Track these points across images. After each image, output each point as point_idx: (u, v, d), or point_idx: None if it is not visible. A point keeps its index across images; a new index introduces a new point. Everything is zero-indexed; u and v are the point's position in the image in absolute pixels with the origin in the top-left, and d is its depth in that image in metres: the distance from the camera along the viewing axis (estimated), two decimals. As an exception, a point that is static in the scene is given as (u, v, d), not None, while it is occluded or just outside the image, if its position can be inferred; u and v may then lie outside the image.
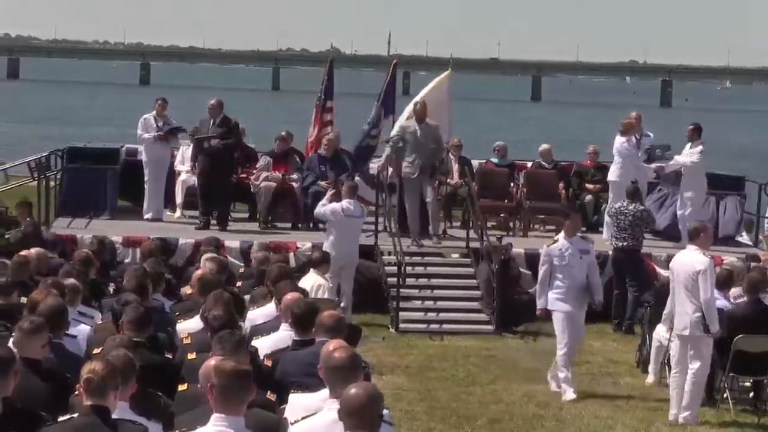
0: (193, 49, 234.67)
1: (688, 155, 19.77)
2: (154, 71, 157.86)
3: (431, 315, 18.02)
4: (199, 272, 11.89)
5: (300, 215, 20.31)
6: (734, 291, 14.43)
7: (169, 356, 9.23)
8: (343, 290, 16.58)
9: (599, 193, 21.17)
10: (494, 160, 22.35)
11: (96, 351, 8.39)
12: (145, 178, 20.57)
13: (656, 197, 21.31)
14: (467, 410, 13.41)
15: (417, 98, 20.49)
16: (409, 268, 18.22)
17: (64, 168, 21.17)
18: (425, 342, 17.10)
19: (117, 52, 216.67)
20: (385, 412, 6.37)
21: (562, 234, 14.45)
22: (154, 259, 13.65)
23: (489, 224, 20.21)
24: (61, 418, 6.93)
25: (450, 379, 14.96)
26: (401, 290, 17.90)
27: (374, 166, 21.04)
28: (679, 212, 20.03)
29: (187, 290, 12.52)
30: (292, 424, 6.98)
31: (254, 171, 20.55)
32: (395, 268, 17.90)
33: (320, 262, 14.18)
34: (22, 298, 10.83)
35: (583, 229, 20.63)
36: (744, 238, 21.61)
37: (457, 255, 19.22)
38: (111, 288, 13.05)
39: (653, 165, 20.29)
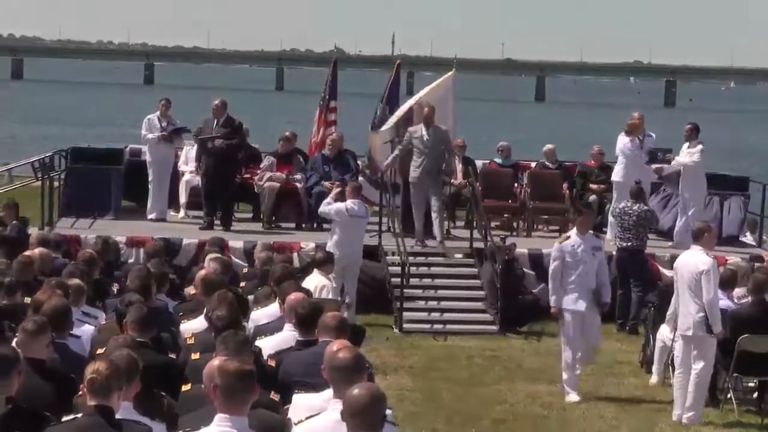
0: (197, 50, 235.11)
1: (688, 155, 19.73)
2: (158, 71, 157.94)
3: (435, 315, 18.02)
4: (202, 272, 11.89)
5: (304, 215, 20.31)
6: (738, 291, 14.41)
7: (173, 356, 9.23)
8: (346, 290, 16.56)
9: (603, 194, 21.14)
10: (498, 160, 22.35)
11: (100, 351, 8.39)
12: (150, 179, 20.58)
13: (660, 197, 21.31)
14: (471, 410, 13.41)
15: (416, 97, 20.52)
16: (413, 269, 18.22)
17: (68, 168, 21.18)
18: (429, 342, 17.09)
19: (121, 53, 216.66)
20: (388, 412, 6.37)
21: (574, 230, 14.30)
22: (158, 259, 13.67)
23: (493, 224, 20.21)
24: (65, 418, 6.94)
25: (454, 379, 14.96)
26: (405, 290, 17.90)
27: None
28: (681, 217, 19.96)
29: (190, 290, 12.51)
30: (295, 424, 6.98)
31: (258, 171, 20.56)
32: (399, 268, 17.89)
33: (324, 262, 14.18)
34: (26, 298, 10.84)
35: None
36: (748, 238, 21.62)
37: (460, 255, 19.20)
38: (115, 288, 13.05)
39: (654, 166, 20.26)
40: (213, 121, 19.76)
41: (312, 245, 18.19)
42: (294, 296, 9.93)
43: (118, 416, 6.70)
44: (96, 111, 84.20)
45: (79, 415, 6.81)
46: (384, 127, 20.31)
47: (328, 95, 22.12)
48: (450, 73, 21.26)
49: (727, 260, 17.78)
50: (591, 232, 14.51)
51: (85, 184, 20.81)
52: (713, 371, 13.18)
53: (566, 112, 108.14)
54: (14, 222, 17.39)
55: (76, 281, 11.17)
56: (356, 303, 17.00)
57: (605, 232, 19.78)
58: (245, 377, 6.40)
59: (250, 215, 21.38)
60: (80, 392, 6.99)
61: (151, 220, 20.46)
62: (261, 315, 11.01)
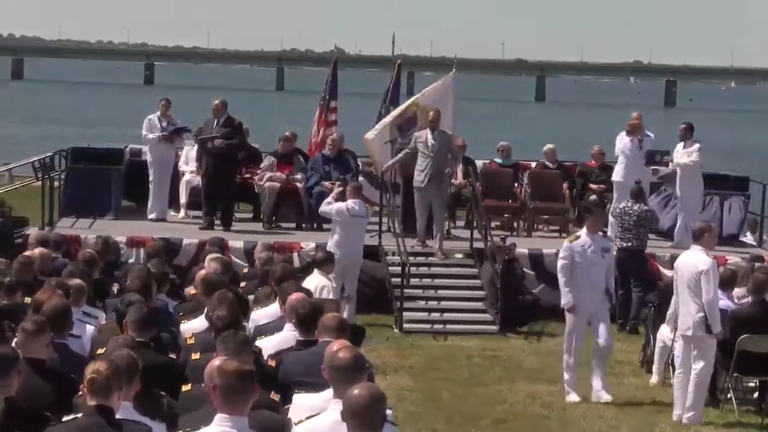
0: (197, 50, 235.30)
1: (685, 155, 19.71)
2: (158, 71, 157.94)
3: (435, 315, 18.02)
4: (203, 272, 11.88)
5: (304, 215, 20.31)
6: (738, 291, 14.41)
7: (173, 356, 9.23)
8: (347, 290, 16.57)
9: (603, 194, 21.14)
10: (498, 160, 22.35)
11: (100, 351, 8.40)
12: (150, 179, 20.59)
13: (660, 197, 21.31)
14: (471, 410, 13.41)
15: (413, 99, 20.50)
16: (413, 269, 18.22)
17: (68, 168, 21.19)
18: (429, 342, 17.09)
19: (121, 53, 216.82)
20: (388, 412, 6.37)
21: (583, 230, 14.17)
22: (158, 259, 13.67)
23: (493, 224, 20.20)
24: (65, 418, 6.94)
25: (454, 379, 14.96)
26: (405, 290, 17.90)
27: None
28: (679, 216, 19.95)
29: (191, 290, 12.51)
30: (295, 424, 6.98)
31: (258, 171, 20.56)
32: (399, 268, 17.89)
33: (324, 262, 14.18)
34: (26, 298, 10.84)
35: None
36: (748, 238, 21.63)
37: (460, 255, 19.21)
38: (115, 288, 13.05)
39: (652, 168, 20.22)
40: (213, 121, 19.76)
41: (312, 245, 18.19)
42: (294, 296, 9.93)
43: (118, 416, 6.71)
44: (96, 111, 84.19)
45: (79, 415, 6.82)
46: (377, 127, 20.29)
47: (329, 95, 22.14)
48: (450, 74, 21.28)
49: (727, 260, 17.78)
50: (600, 233, 14.42)
51: (85, 184, 20.81)
52: (713, 371, 13.18)
53: (566, 112, 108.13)
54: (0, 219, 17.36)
55: (77, 281, 11.17)
56: (356, 303, 17.00)
57: (605, 232, 19.76)
58: (245, 377, 6.39)
59: (251, 215, 21.38)
60: (80, 392, 7.00)
61: (151, 220, 20.46)
62: (261, 315, 11.00)
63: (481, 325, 17.87)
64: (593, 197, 21.25)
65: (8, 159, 32.94)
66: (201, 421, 6.63)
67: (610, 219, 19.38)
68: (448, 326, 17.79)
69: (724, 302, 13.42)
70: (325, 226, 18.73)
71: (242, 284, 13.22)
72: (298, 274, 13.02)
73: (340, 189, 17.44)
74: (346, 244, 16.70)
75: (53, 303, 9.22)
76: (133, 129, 28.03)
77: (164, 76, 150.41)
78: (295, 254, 17.87)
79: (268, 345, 9.49)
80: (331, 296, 13.09)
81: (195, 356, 8.68)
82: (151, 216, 20.55)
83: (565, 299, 13.98)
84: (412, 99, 20.94)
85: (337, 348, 7.27)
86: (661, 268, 18.61)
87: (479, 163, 21.89)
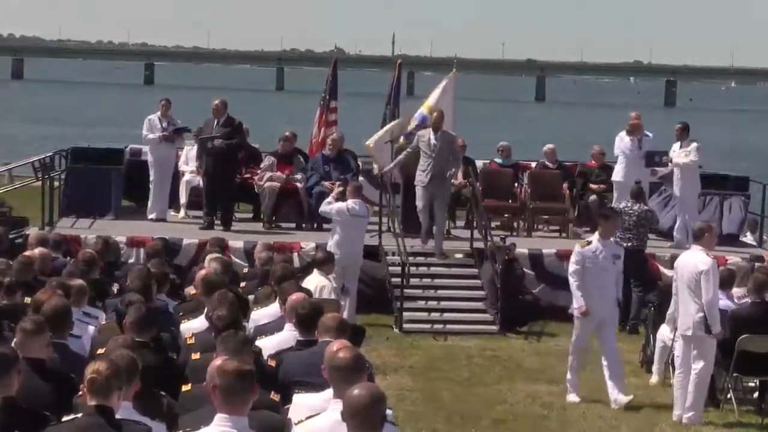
0: (197, 50, 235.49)
1: (684, 154, 19.71)
2: (159, 71, 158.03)
3: (435, 315, 18.02)
4: (203, 272, 11.87)
5: (304, 215, 20.32)
6: (738, 291, 14.41)
7: (173, 356, 9.23)
8: (347, 290, 16.57)
9: (603, 194, 21.14)
10: (498, 160, 22.35)
11: (100, 351, 8.39)
12: (151, 179, 20.59)
13: (660, 197, 21.32)
14: (471, 410, 13.40)
15: (431, 103, 20.39)
16: (413, 269, 18.22)
17: (68, 168, 21.19)
18: (429, 342, 17.09)
19: (121, 53, 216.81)
20: (388, 412, 6.37)
21: (595, 235, 14.00)
22: (158, 259, 13.66)
23: (493, 224, 20.21)
24: (65, 418, 6.94)
25: (454, 379, 14.95)
26: (405, 290, 17.90)
27: (377, 166, 21.07)
28: (678, 216, 19.95)
29: (191, 290, 12.51)
30: (295, 424, 6.98)
31: (258, 171, 20.56)
32: (399, 268, 17.89)
33: (324, 262, 14.17)
34: (26, 298, 10.84)
35: (587, 229, 20.72)
36: (748, 238, 21.63)
37: (460, 255, 19.21)
38: (115, 288, 13.05)
39: (651, 169, 20.22)
40: (213, 121, 19.76)
41: (312, 245, 18.20)
42: (295, 296, 9.93)
43: (118, 416, 6.71)
44: (96, 111, 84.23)
45: (79, 415, 6.81)
46: (378, 134, 20.32)
47: (329, 95, 22.14)
48: (451, 74, 21.29)
49: (727, 260, 17.79)
50: (612, 239, 14.34)
51: (86, 184, 20.81)
52: (713, 371, 13.17)
53: (566, 112, 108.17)
54: None
55: (78, 281, 11.18)
56: (356, 303, 17.00)
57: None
58: (244, 377, 6.39)
59: (251, 215, 21.38)
60: (80, 392, 7.00)
61: (151, 220, 20.46)
62: (261, 315, 11.00)
63: (481, 325, 17.87)
64: (593, 197, 21.24)
65: (8, 159, 32.95)
66: (201, 421, 6.62)
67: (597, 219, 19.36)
68: (448, 326, 17.79)
69: (723, 302, 13.42)
70: (325, 226, 18.73)
71: (242, 284, 13.22)
72: (297, 274, 13.02)
73: (341, 189, 17.44)
74: (346, 244, 16.70)
75: (53, 303, 9.22)
76: (133, 129, 28.04)
77: (164, 76, 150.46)
78: (295, 254, 17.88)
79: (268, 345, 9.48)
80: (332, 296, 13.08)
81: (195, 356, 8.68)
82: (151, 216, 20.55)
83: (578, 303, 13.84)
84: (425, 103, 20.84)
85: (337, 348, 7.27)
86: (661, 268, 18.62)
87: (479, 163, 21.89)
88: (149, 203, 20.71)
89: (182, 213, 21.04)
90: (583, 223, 21.04)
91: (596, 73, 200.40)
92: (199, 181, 20.37)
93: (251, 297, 11.88)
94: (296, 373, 8.52)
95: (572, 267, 13.92)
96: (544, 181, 21.59)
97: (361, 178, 20.08)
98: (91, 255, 13.37)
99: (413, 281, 18.18)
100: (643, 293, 17.55)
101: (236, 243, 18.18)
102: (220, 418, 6.33)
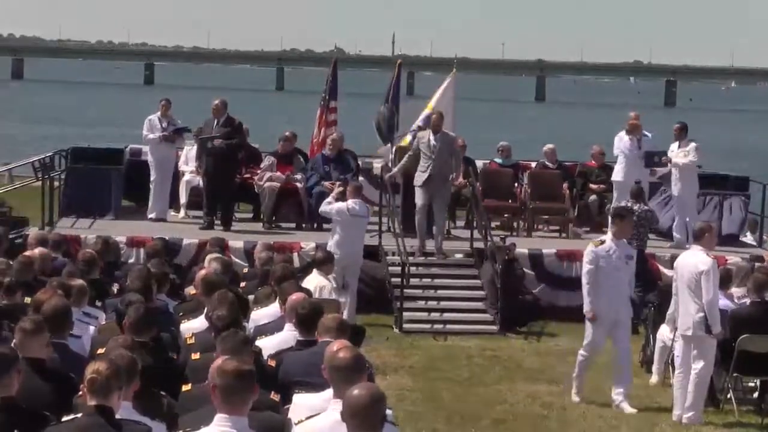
0: (197, 50, 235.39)
1: (683, 154, 19.70)
2: (159, 71, 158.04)
3: (435, 315, 18.02)
4: (203, 272, 11.88)
5: (304, 215, 20.32)
6: (738, 291, 14.41)
7: (173, 356, 9.23)
8: (347, 290, 16.56)
9: (603, 193, 21.14)
10: (498, 160, 22.34)
11: (100, 351, 8.39)
12: (151, 179, 20.59)
13: (660, 197, 21.32)
14: (471, 410, 13.40)
15: (434, 104, 20.43)
16: (413, 269, 18.22)
17: (68, 168, 21.19)
18: (429, 342, 17.09)
19: (121, 53, 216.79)
20: (388, 412, 6.37)
21: (609, 235, 13.93)
22: (158, 259, 13.66)
23: (493, 224, 20.20)
24: (65, 418, 6.94)
25: (454, 379, 14.95)
26: (405, 290, 17.90)
27: (378, 166, 21.09)
28: (677, 216, 19.95)
29: (191, 290, 12.51)
30: (295, 424, 6.98)
31: (258, 171, 20.57)
32: (399, 268, 17.89)
33: (324, 262, 14.18)
34: (26, 298, 10.84)
35: (587, 229, 20.75)
36: (748, 238, 21.63)
37: (460, 255, 19.20)
38: (115, 288, 13.05)
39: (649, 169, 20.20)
40: (213, 121, 19.77)
41: (312, 245, 18.19)
42: (295, 296, 9.93)
43: (118, 416, 6.71)
44: (96, 111, 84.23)
45: (79, 415, 6.82)
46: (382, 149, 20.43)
47: (329, 95, 22.13)
48: (451, 74, 21.29)
49: (727, 260, 17.78)
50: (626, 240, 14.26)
51: (86, 184, 20.81)
52: (713, 371, 13.17)
53: (566, 112, 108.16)
54: None
55: (79, 282, 11.18)
56: (356, 303, 17.00)
57: (605, 232, 19.73)
58: (244, 377, 6.39)
59: (251, 215, 21.39)
60: (80, 392, 7.00)
61: (151, 220, 20.47)
62: (261, 315, 11.00)
63: (481, 325, 17.87)
64: (593, 198, 21.25)
65: (8, 159, 32.95)
66: (201, 421, 6.63)
67: (610, 219, 19.36)
68: (448, 326, 17.79)
69: (722, 302, 13.41)
70: (325, 226, 18.73)
71: (242, 284, 13.22)
72: (297, 274, 13.02)
73: (341, 189, 17.44)
74: (347, 244, 16.70)
75: (53, 303, 9.22)
76: (133, 129, 28.04)
77: (164, 76, 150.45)
78: (295, 254, 17.88)
79: (268, 345, 9.49)
80: (333, 296, 13.08)
81: (195, 356, 8.68)
82: (151, 216, 20.56)
83: (587, 307, 13.74)
84: (429, 104, 20.84)
85: (337, 348, 7.26)
86: (661, 268, 18.61)
87: (479, 163, 21.89)
88: (149, 203, 20.71)
89: (182, 213, 21.05)
90: (583, 223, 21.05)
91: (596, 73, 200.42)
92: (199, 181, 20.38)
93: (251, 297, 11.88)
94: (296, 373, 8.52)
95: (586, 267, 13.76)
96: (544, 181, 21.59)
97: (361, 178, 20.09)
98: (91, 255, 13.37)
99: (413, 281, 18.18)
100: (643, 293, 17.51)
101: (236, 243, 18.18)
102: (220, 418, 6.34)
